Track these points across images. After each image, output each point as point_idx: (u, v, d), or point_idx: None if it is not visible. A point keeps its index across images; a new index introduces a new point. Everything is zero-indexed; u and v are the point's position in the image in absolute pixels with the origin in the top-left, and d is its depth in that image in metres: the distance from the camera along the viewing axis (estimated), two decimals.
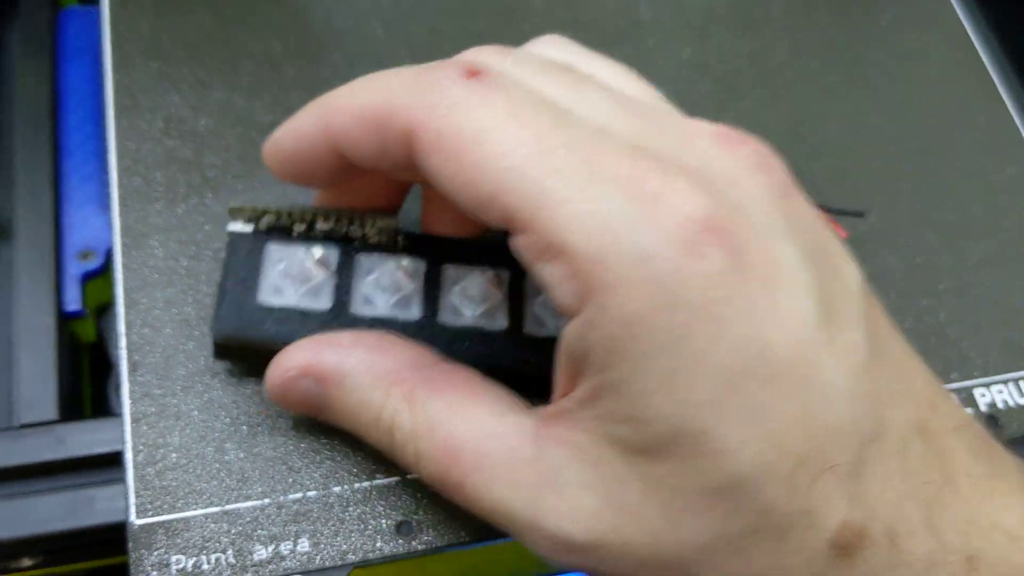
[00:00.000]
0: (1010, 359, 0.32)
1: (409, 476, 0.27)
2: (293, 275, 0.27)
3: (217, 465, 0.27)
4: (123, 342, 0.28)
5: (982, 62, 0.39)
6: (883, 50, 0.38)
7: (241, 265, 0.27)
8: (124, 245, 0.30)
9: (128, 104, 0.32)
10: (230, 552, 0.26)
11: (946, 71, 0.38)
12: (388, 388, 0.24)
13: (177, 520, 0.26)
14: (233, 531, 0.26)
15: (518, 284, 0.28)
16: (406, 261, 0.27)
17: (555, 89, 0.22)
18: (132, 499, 0.27)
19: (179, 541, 0.26)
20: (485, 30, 0.36)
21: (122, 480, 0.27)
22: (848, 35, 0.39)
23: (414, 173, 0.23)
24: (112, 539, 0.29)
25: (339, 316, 0.27)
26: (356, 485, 0.27)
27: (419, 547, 0.27)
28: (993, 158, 0.36)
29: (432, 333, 0.27)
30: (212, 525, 0.26)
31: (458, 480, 0.23)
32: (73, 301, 0.35)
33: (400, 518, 0.27)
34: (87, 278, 0.35)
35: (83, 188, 0.36)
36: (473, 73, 0.22)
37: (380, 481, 0.27)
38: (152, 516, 0.26)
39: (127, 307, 0.29)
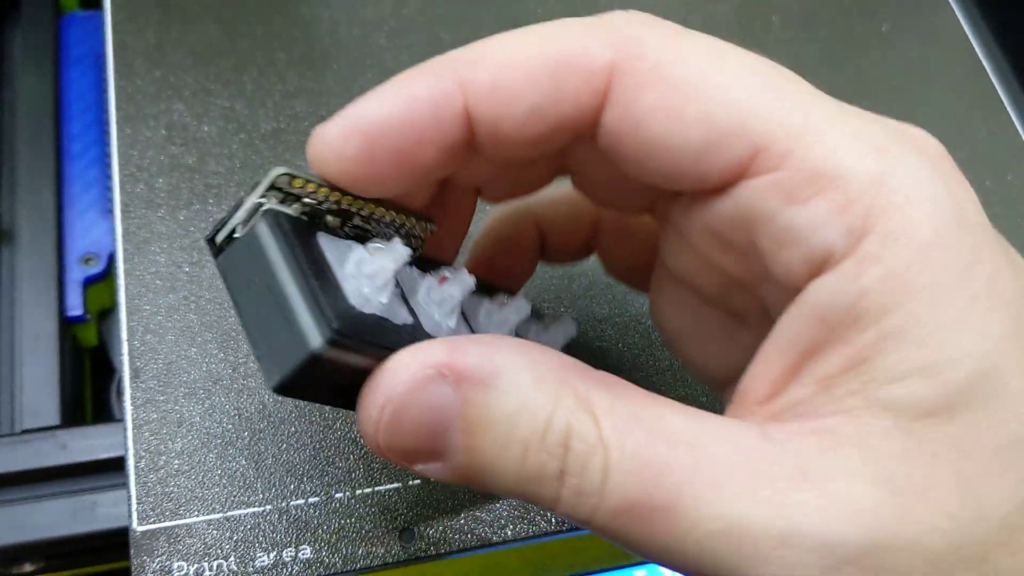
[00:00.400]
0: None
1: (411, 483, 0.27)
2: (375, 279, 0.20)
3: (219, 472, 0.27)
4: (125, 348, 0.28)
5: (984, 70, 0.39)
6: (884, 59, 0.39)
7: (302, 258, 0.19)
8: (126, 251, 0.30)
9: (131, 111, 0.32)
10: (232, 559, 0.26)
11: (947, 79, 0.39)
12: (557, 389, 0.18)
13: (179, 526, 0.26)
14: (235, 538, 0.26)
15: None
16: (448, 272, 0.22)
17: None
18: (134, 505, 0.27)
19: (181, 547, 0.26)
20: (488, 35, 0.36)
21: (124, 486, 0.27)
22: (849, 45, 0.39)
23: (553, 157, 0.20)
24: (114, 544, 0.30)
25: (417, 333, 0.21)
26: (358, 492, 0.27)
27: (421, 554, 0.27)
28: (994, 165, 0.36)
29: None
30: (214, 532, 0.26)
31: (667, 500, 0.17)
32: (75, 306, 0.35)
33: (402, 525, 0.27)
34: (89, 283, 0.35)
35: (86, 194, 0.36)
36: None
37: (382, 488, 0.27)
38: (154, 522, 0.26)
39: (129, 313, 0.29)
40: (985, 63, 0.39)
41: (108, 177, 0.31)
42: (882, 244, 0.17)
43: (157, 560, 0.26)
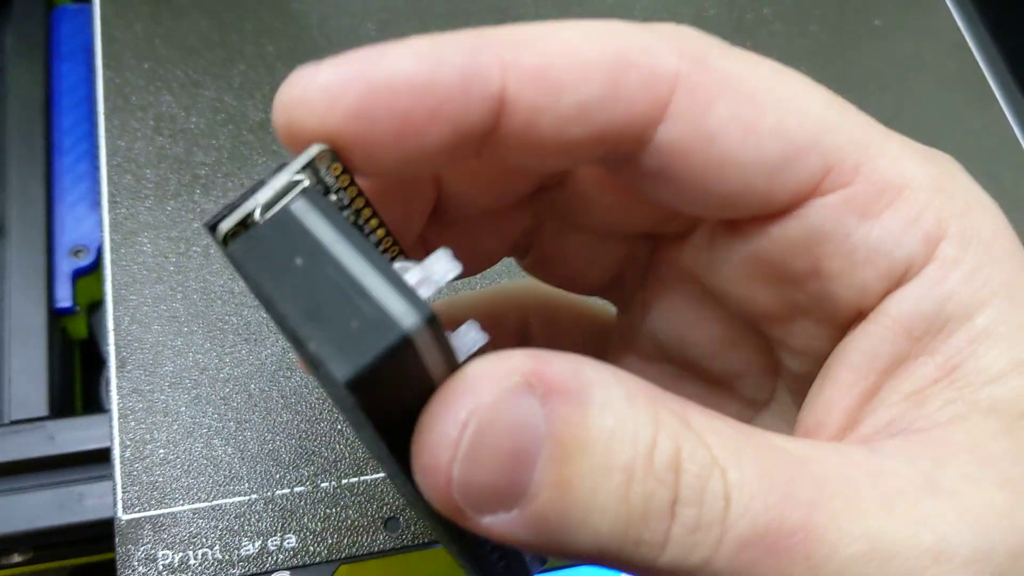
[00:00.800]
0: None
1: None
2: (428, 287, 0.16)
3: (205, 461, 0.27)
4: (111, 338, 0.28)
5: (978, 66, 0.39)
6: (876, 54, 0.39)
7: (356, 234, 0.15)
8: (113, 242, 0.30)
9: (119, 103, 0.33)
10: (217, 547, 0.26)
11: (941, 76, 0.39)
12: (653, 405, 0.15)
13: (164, 515, 0.26)
14: (220, 526, 0.26)
15: None
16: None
17: None
18: (119, 494, 0.27)
19: (166, 536, 0.26)
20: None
21: (111, 476, 0.27)
22: (841, 39, 0.39)
23: (588, 165, 0.18)
24: (102, 535, 0.30)
25: None
26: (344, 481, 0.27)
27: (406, 543, 0.27)
28: (988, 163, 0.36)
29: None
30: (199, 520, 0.26)
31: (801, 522, 0.14)
32: (64, 298, 0.35)
33: (388, 514, 0.27)
34: (78, 275, 0.35)
35: (76, 187, 0.37)
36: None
37: (368, 477, 0.27)
38: (139, 511, 0.26)
39: (116, 303, 0.29)
40: (978, 58, 0.39)
41: (97, 169, 0.31)
42: (957, 247, 0.16)
43: (142, 548, 0.26)
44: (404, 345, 0.14)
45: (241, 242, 0.16)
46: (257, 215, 0.16)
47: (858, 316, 0.17)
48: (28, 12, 0.39)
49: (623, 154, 0.17)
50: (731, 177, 0.16)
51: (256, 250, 0.15)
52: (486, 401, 0.14)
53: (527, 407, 0.14)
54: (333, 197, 0.17)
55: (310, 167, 0.16)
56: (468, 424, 0.14)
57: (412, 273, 0.15)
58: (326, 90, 0.15)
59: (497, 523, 0.15)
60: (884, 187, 0.17)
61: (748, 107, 0.16)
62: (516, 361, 0.15)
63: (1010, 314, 0.16)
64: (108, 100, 0.32)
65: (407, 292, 0.14)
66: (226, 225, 0.16)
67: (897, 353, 0.17)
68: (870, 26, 0.39)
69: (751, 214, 0.17)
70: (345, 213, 0.17)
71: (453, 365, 0.15)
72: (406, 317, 0.14)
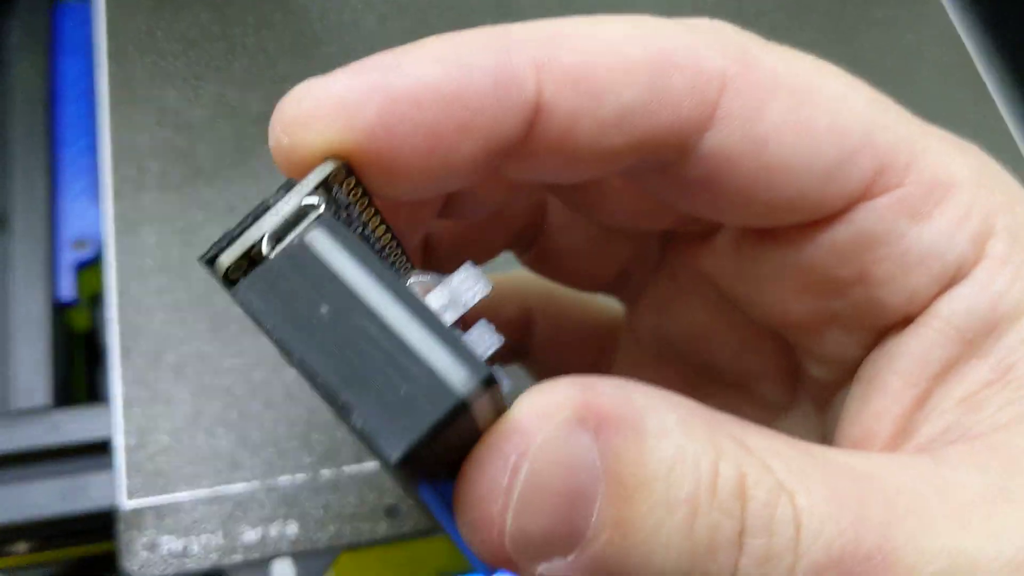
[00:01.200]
0: None
1: None
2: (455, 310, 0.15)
3: (207, 449, 0.27)
4: (115, 328, 0.29)
5: (972, 61, 0.39)
6: (873, 48, 0.39)
7: (389, 276, 0.13)
8: (117, 233, 0.30)
9: (123, 96, 0.33)
10: (219, 533, 0.26)
11: (936, 69, 0.39)
12: (711, 432, 0.14)
13: (167, 503, 0.27)
14: (222, 513, 0.27)
15: None
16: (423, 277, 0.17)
17: None
18: (123, 481, 0.27)
19: (169, 523, 0.26)
20: (478, 22, 0.36)
21: (113, 465, 0.27)
22: (838, 32, 0.39)
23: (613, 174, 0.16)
24: (104, 524, 0.30)
25: None
26: (345, 469, 0.27)
27: (408, 531, 0.27)
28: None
29: None
30: (202, 507, 0.27)
31: (878, 544, 0.14)
32: (67, 290, 0.35)
33: (389, 501, 0.27)
34: (81, 267, 0.35)
35: (78, 180, 0.37)
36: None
37: (369, 465, 0.28)
38: (142, 498, 0.27)
39: (119, 294, 0.29)
40: (972, 52, 0.39)
41: (98, 163, 0.32)
42: (1006, 244, 0.16)
43: (146, 535, 0.26)
44: (460, 410, 0.12)
45: (250, 282, 0.13)
46: (265, 247, 0.13)
47: (903, 321, 0.16)
48: (32, 7, 0.40)
49: (662, 162, 0.15)
50: (783, 184, 0.15)
51: (269, 292, 0.13)
52: (537, 442, 0.13)
53: (581, 444, 0.13)
54: (344, 214, 0.14)
55: (323, 187, 0.14)
56: (519, 469, 0.13)
57: (436, 295, 0.14)
58: (341, 104, 0.14)
59: (553, 569, 0.13)
60: (934, 186, 0.16)
61: (802, 107, 0.15)
62: (564, 393, 0.13)
63: None
64: (112, 93, 0.33)
65: (459, 349, 0.12)
66: (227, 259, 0.13)
67: (949, 357, 0.16)
68: (869, 18, 0.40)
69: (798, 221, 0.16)
70: (354, 226, 0.15)
71: (500, 409, 0.13)
72: (463, 382, 0.12)
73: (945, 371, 0.16)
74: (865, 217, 0.16)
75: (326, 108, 0.13)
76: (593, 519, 0.13)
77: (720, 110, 0.15)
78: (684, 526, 0.13)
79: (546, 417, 0.13)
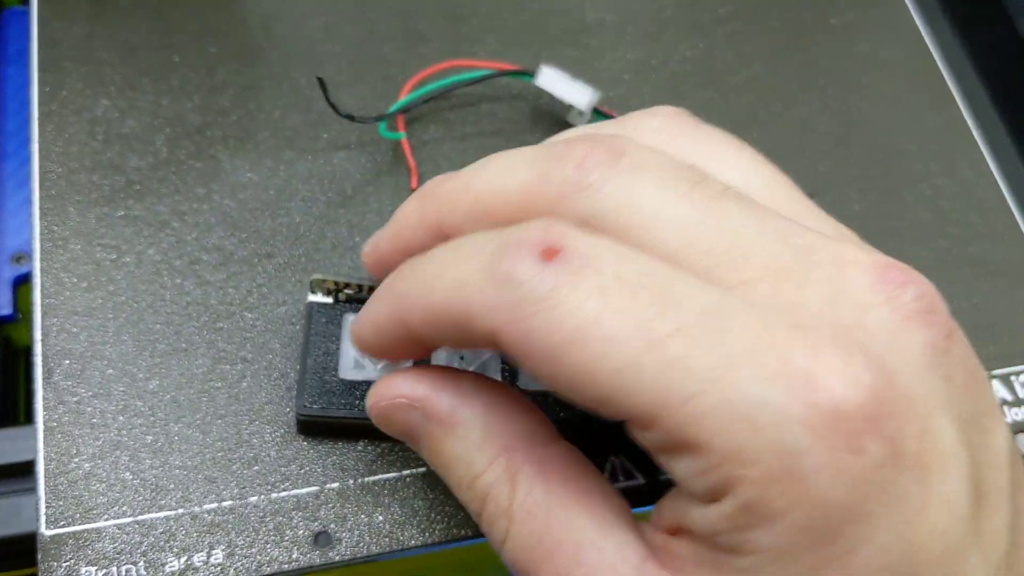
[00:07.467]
0: None
1: (329, 486, 0.27)
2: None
3: (130, 474, 0.26)
4: (38, 348, 0.28)
5: (935, 64, 0.38)
6: (833, 53, 0.38)
7: (321, 338, 0.27)
8: (44, 248, 0.29)
9: (54, 106, 0.32)
10: (141, 563, 0.25)
11: (898, 73, 0.38)
12: (495, 455, 0.22)
13: (88, 530, 0.26)
14: (145, 542, 0.26)
15: None
16: None
17: (665, 229, 0.19)
18: (43, 509, 0.26)
19: (89, 552, 0.25)
20: (426, 31, 0.35)
21: (35, 490, 0.26)
22: (798, 38, 0.38)
23: None
24: (32, 550, 0.29)
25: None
26: (273, 495, 0.26)
27: (337, 558, 0.26)
28: (943, 162, 0.36)
29: None
30: (124, 536, 0.26)
31: None
32: (5, 305, 0.34)
33: (318, 528, 0.26)
34: (19, 282, 0.35)
35: (17, 192, 0.36)
36: (551, 253, 0.18)
37: (298, 491, 0.27)
38: (63, 526, 0.26)
39: (44, 312, 0.28)
40: (936, 58, 0.38)
41: None
42: (736, 510, 0.18)
43: (65, 565, 0.25)
44: (304, 419, 0.27)
45: (310, 310, 0.28)
46: (319, 299, 0.28)
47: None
48: None
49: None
50: (579, 398, 0.19)
51: (311, 320, 0.28)
52: (382, 406, 0.24)
53: (413, 417, 0.23)
54: (347, 291, 0.28)
55: (320, 285, 0.28)
56: (374, 411, 0.24)
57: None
58: (358, 345, 0.24)
59: (411, 447, 0.24)
60: (676, 442, 0.18)
61: (547, 365, 0.19)
62: (415, 386, 0.23)
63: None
64: (43, 104, 0.32)
65: (308, 388, 0.27)
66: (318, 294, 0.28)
67: (704, 542, 0.19)
68: (827, 24, 0.39)
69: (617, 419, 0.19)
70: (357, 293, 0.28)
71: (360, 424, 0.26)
72: (300, 406, 0.27)
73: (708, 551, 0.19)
74: (637, 437, 0.19)
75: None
76: (419, 447, 0.24)
77: (503, 347, 0.19)
78: (455, 486, 0.23)
79: (390, 394, 0.23)
